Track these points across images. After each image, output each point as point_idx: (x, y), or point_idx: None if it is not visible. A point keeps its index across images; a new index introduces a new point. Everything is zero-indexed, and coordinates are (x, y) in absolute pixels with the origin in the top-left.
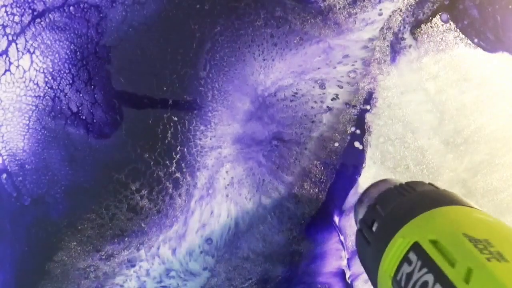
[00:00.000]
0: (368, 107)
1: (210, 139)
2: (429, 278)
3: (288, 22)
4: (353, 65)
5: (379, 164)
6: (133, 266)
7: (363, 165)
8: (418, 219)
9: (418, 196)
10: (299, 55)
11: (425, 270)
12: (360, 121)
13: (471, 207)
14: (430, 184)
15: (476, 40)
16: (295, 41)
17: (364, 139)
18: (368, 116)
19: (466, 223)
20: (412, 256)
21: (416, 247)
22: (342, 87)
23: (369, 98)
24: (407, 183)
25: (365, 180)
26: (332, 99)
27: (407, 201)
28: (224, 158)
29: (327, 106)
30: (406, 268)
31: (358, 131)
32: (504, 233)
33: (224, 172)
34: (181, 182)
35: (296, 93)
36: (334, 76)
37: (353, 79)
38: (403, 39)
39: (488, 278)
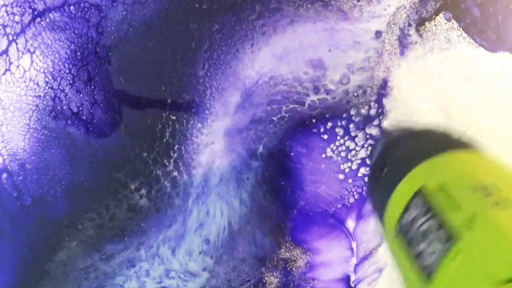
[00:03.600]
0: (383, 92)
1: (206, 136)
2: (433, 223)
3: (281, 10)
4: (366, 52)
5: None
6: (133, 266)
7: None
8: (426, 163)
9: (431, 140)
10: (286, 36)
11: (429, 215)
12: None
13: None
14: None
15: (478, 40)
16: (283, 24)
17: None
18: (385, 102)
19: (475, 168)
20: (418, 201)
21: (421, 192)
22: (354, 72)
23: (384, 85)
24: (426, 128)
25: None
26: (331, 81)
27: (419, 144)
28: (215, 153)
29: (324, 88)
30: (411, 213)
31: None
32: None
33: (215, 169)
34: (178, 181)
35: (274, 75)
36: (338, 56)
37: (368, 63)
38: (409, 35)
39: (491, 224)
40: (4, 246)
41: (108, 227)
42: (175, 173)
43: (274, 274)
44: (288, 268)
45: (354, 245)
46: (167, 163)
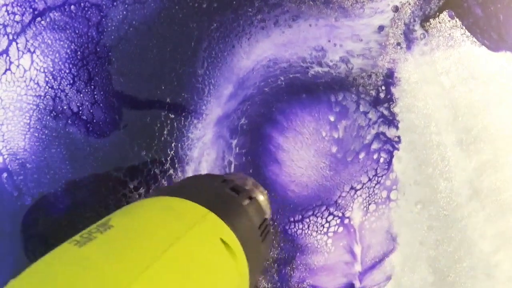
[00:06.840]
0: (390, 80)
1: (199, 130)
2: None
3: (282, 6)
4: (366, 43)
5: (409, 152)
6: None
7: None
8: None
9: None
10: (289, 30)
11: None
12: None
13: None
14: None
15: (480, 39)
16: (285, 19)
17: (392, 119)
18: (394, 90)
19: None
20: None
21: None
22: (354, 56)
23: (391, 75)
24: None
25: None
26: (332, 60)
27: None
28: (205, 145)
29: (326, 63)
30: None
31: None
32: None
33: (204, 162)
34: (174, 179)
35: (275, 57)
36: (337, 49)
37: (369, 52)
38: (414, 30)
39: None
40: (4, 246)
41: None
42: (171, 171)
43: (266, 278)
44: (284, 269)
45: (356, 249)
46: (164, 161)
